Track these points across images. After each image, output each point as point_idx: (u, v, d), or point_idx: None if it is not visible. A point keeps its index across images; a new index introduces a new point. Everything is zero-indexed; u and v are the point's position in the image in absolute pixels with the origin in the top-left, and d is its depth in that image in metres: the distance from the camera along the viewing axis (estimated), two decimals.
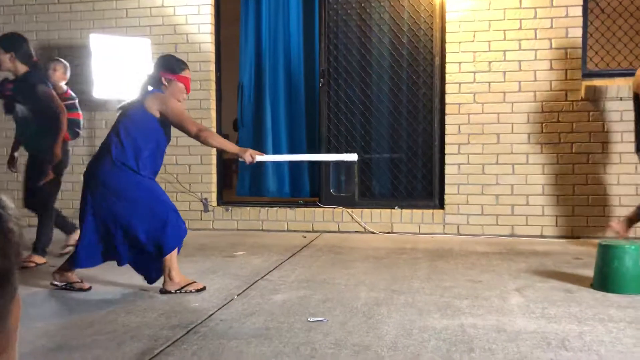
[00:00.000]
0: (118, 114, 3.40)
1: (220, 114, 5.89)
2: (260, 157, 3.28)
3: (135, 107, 3.30)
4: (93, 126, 5.92)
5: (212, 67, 5.74)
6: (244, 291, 3.34)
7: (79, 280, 3.40)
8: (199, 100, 5.70)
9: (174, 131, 5.66)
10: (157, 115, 3.24)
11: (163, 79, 3.29)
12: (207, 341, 2.51)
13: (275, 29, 5.94)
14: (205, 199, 5.70)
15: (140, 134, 3.26)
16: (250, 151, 3.25)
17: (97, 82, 5.14)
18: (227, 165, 7.75)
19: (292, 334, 2.58)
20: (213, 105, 5.76)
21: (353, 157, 3.57)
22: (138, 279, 3.60)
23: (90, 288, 3.40)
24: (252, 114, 6.02)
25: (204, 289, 3.35)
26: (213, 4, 5.74)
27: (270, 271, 3.82)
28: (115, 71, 5.24)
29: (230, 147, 3.31)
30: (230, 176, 8.21)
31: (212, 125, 5.73)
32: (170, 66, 3.31)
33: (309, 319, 2.78)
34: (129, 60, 5.31)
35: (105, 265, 3.95)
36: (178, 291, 3.28)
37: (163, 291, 3.30)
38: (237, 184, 6.13)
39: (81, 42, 5.84)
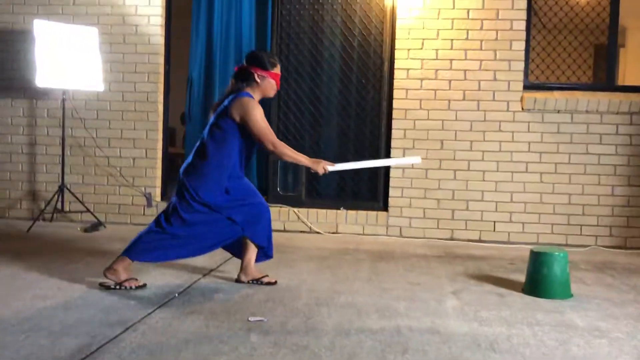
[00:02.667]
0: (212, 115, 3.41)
1: (167, 107, 5.82)
2: (331, 168, 3.38)
3: (221, 110, 3.32)
4: (34, 114, 5.74)
5: (161, 59, 5.66)
6: (185, 289, 3.33)
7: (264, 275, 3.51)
8: (146, 93, 5.61)
9: (118, 122, 5.61)
10: (237, 120, 3.26)
11: (256, 75, 3.31)
12: (145, 339, 2.50)
13: (227, 25, 5.90)
14: (149, 193, 5.62)
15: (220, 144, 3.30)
16: (322, 163, 3.36)
17: (40, 70, 4.98)
18: (172, 160, 7.65)
19: (232, 333, 2.60)
20: (160, 98, 5.68)
21: (417, 159, 3.62)
22: (81, 274, 3.53)
23: (276, 282, 3.49)
24: (200, 108, 5.96)
25: (144, 286, 3.32)
26: None
27: (213, 269, 3.82)
28: (60, 59, 5.09)
29: (303, 160, 3.35)
30: (176, 171, 8.09)
31: (159, 119, 5.66)
32: (263, 62, 3.33)
33: (249, 319, 2.80)
34: (74, 49, 5.17)
35: (50, 257, 3.87)
36: (118, 286, 3.24)
37: (102, 284, 3.26)
38: None
39: (24, 28, 5.64)
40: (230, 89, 3.39)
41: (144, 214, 5.64)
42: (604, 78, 5.42)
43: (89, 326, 2.64)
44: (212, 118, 3.37)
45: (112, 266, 3.27)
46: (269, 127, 3.30)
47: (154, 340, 2.48)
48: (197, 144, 3.38)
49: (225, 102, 3.32)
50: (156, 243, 3.26)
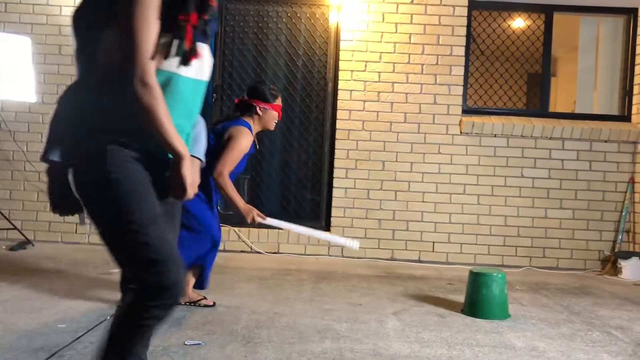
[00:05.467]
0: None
1: None
2: (260, 220, 3.31)
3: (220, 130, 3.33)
4: None
5: None
6: None
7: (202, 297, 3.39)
8: None
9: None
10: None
11: (258, 108, 3.37)
12: None
13: None
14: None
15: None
16: (254, 212, 3.29)
17: None
18: None
19: (168, 357, 2.48)
20: None
21: (355, 244, 3.59)
22: (3, 295, 3.31)
23: (214, 304, 3.38)
24: None
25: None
26: None
27: None
28: None
29: (238, 202, 3.27)
30: None
31: None
32: (264, 95, 3.39)
33: (186, 342, 2.69)
34: (4, 58, 4.91)
35: None
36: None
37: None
38: None
39: None
40: (228, 115, 3.46)
41: (76, 232, 5.39)
42: (537, 105, 5.65)
43: (9, 353, 2.46)
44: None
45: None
46: (236, 162, 3.27)
47: None
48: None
49: (220, 127, 3.33)
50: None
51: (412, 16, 5.38)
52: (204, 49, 1.71)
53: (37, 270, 4.11)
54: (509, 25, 5.73)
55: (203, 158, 1.97)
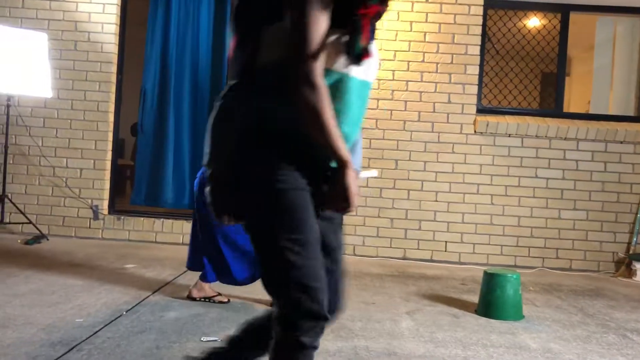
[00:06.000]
0: None
1: (118, 117, 5.65)
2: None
3: None
4: None
5: (114, 68, 5.50)
6: (133, 307, 3.19)
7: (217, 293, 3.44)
8: (96, 102, 5.43)
9: (65, 131, 5.40)
10: None
11: None
12: None
13: (184, 36, 5.80)
14: (96, 206, 5.42)
15: None
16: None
17: None
18: (121, 172, 7.44)
19: (184, 354, 2.50)
20: (112, 108, 5.51)
21: (373, 173, 3.53)
22: (21, 288, 3.34)
23: (229, 301, 3.43)
24: (153, 120, 5.81)
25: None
26: (119, 3, 5.51)
27: (163, 286, 3.69)
28: (6, 64, 4.87)
29: None
30: (124, 183, 7.88)
31: (109, 129, 5.48)
32: None
33: (202, 339, 2.70)
34: (21, 54, 4.95)
35: None
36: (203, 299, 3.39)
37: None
38: (133, 192, 5.88)
39: None
40: None
41: (89, 226, 5.43)
42: (551, 104, 5.61)
43: (30, 346, 2.48)
44: None
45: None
46: None
47: None
48: None
49: None
50: None
51: (427, 15, 5.36)
52: (373, 46, 1.51)
53: (52, 265, 4.14)
54: (524, 25, 5.70)
55: (360, 169, 1.72)
